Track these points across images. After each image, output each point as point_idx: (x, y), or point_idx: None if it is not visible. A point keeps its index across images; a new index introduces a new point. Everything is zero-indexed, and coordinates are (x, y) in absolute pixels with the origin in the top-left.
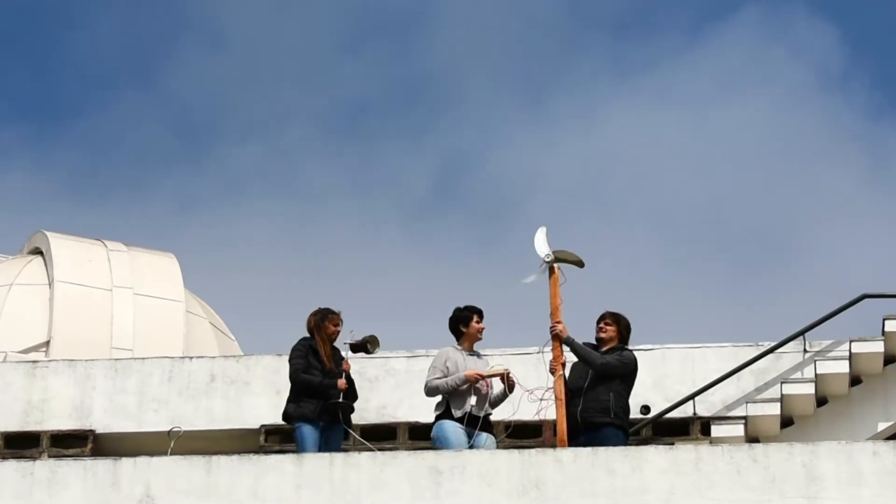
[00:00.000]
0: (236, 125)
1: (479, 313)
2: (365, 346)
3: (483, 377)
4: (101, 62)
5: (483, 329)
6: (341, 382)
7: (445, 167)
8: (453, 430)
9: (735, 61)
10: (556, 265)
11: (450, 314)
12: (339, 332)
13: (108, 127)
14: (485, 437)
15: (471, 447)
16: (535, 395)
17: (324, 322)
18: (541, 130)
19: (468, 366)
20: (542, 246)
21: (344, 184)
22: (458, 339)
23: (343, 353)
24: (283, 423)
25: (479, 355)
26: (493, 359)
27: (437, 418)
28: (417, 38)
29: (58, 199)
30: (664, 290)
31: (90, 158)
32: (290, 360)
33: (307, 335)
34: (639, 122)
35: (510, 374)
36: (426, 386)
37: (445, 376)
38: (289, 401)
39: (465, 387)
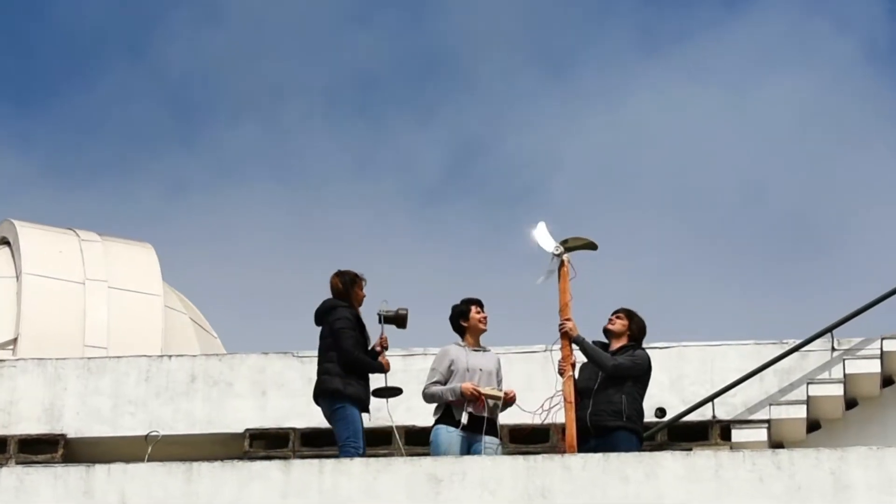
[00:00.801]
0: (232, 102)
1: (478, 303)
2: (400, 318)
3: (481, 394)
4: (86, 32)
5: (485, 318)
6: (387, 361)
7: (459, 148)
8: (446, 436)
9: (775, 34)
10: (566, 258)
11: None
12: (364, 299)
13: (94, 103)
14: (484, 443)
15: (469, 453)
16: (545, 405)
17: (353, 287)
18: (563, 108)
19: (471, 363)
20: (546, 240)
21: (348, 167)
22: (462, 337)
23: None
24: (267, 426)
25: (485, 349)
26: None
27: (437, 422)
28: (431, 8)
29: (36, 184)
30: (686, 280)
31: (73, 138)
32: (341, 330)
33: (341, 303)
34: (670, 99)
35: (512, 398)
36: (424, 391)
37: (447, 378)
38: (333, 374)
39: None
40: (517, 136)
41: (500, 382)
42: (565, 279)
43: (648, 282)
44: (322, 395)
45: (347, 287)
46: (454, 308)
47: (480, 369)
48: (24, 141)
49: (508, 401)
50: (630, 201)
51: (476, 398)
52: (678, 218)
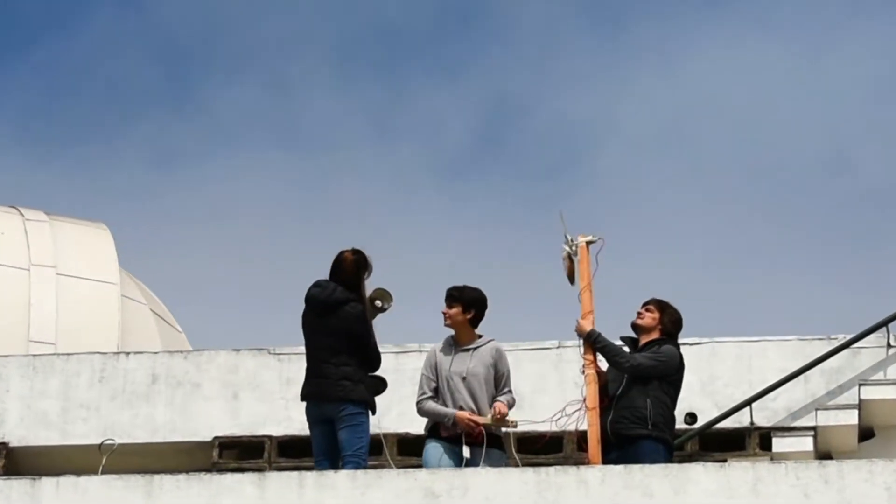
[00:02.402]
0: (229, 57)
1: (450, 297)
2: (377, 301)
3: (478, 424)
4: None
5: (446, 314)
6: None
7: (492, 111)
8: (434, 451)
9: None
10: (582, 245)
11: None
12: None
13: (74, 56)
14: (484, 455)
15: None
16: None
17: (365, 272)
18: (613, 66)
19: (453, 369)
20: (562, 231)
21: (362, 132)
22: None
23: None
24: (239, 434)
25: (476, 346)
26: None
27: (428, 434)
28: None
29: (3, 150)
30: (734, 267)
31: (44, 99)
32: (370, 337)
33: (352, 295)
34: (735, 55)
35: (514, 425)
36: (418, 406)
37: (437, 386)
38: (356, 381)
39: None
40: (560, 98)
41: (500, 379)
42: (586, 266)
43: (697, 268)
44: (341, 401)
45: (361, 271)
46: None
47: (463, 377)
48: None
49: (513, 425)
50: (688, 174)
51: (472, 429)
52: (737, 193)
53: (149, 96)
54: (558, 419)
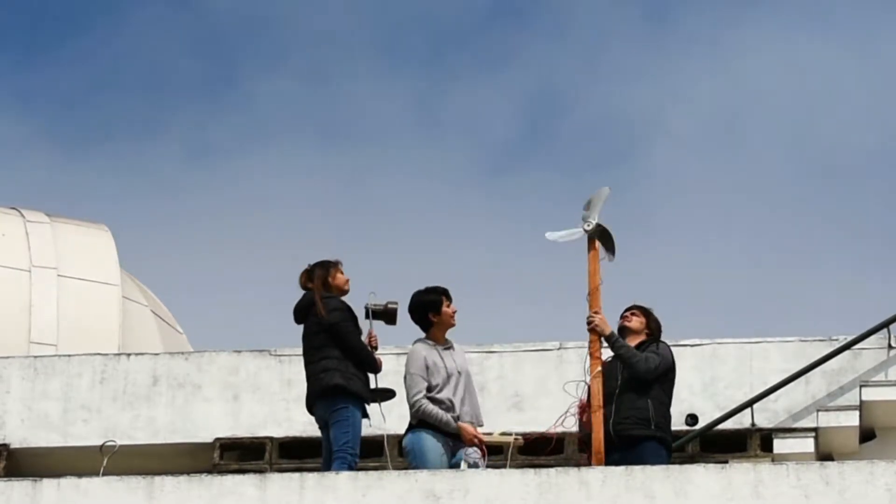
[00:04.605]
0: (270, 46)
1: (448, 294)
2: (390, 313)
3: (483, 442)
4: None
5: (456, 312)
6: (380, 361)
7: (538, 103)
8: (433, 444)
9: None
10: (595, 238)
11: (410, 299)
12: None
13: (112, 48)
14: (465, 453)
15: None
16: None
17: (326, 275)
18: (663, 57)
19: (448, 366)
20: (595, 208)
21: (401, 125)
22: (426, 331)
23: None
24: (240, 435)
25: (452, 346)
26: (502, 356)
27: (417, 425)
28: None
29: (33, 147)
30: (775, 265)
31: (83, 90)
32: (342, 325)
33: (326, 293)
34: (788, 48)
35: (519, 442)
36: (415, 406)
37: (429, 385)
38: (333, 370)
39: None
40: (608, 90)
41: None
42: (595, 260)
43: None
44: (323, 394)
45: (325, 278)
46: (421, 298)
47: (459, 372)
48: (23, 94)
49: (518, 443)
50: (741, 169)
51: (478, 445)
52: (788, 190)
53: (186, 89)
54: (564, 420)
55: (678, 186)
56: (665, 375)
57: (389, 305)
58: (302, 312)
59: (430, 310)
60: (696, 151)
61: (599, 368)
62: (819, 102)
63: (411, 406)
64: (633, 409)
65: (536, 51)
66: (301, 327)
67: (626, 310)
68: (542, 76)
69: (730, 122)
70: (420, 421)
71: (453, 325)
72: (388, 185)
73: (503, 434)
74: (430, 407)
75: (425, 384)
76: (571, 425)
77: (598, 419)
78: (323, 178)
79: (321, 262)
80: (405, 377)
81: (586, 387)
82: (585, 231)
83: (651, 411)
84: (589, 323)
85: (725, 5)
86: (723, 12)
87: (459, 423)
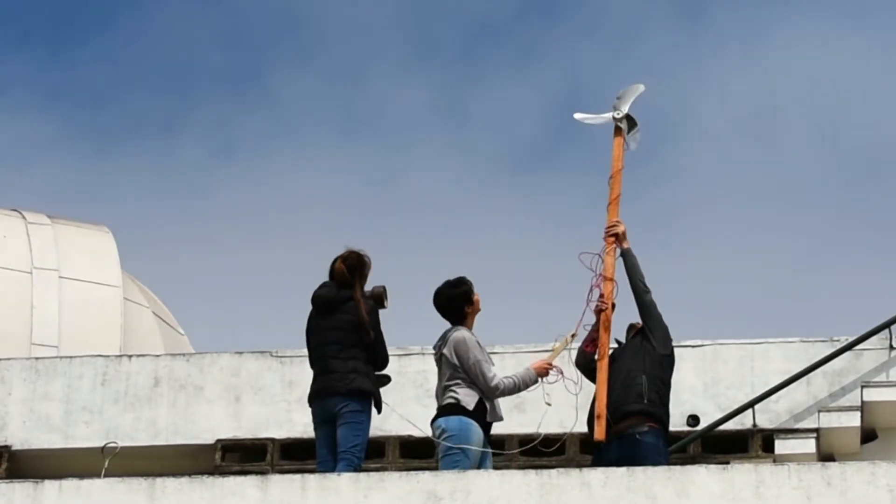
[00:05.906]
0: (296, 42)
1: (471, 283)
2: (377, 297)
3: (552, 366)
4: None
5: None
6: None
7: (566, 99)
8: (477, 430)
9: None
10: (623, 126)
11: (436, 293)
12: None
13: (137, 43)
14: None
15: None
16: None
17: (362, 269)
18: (694, 54)
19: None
20: (627, 101)
21: (426, 121)
22: (461, 323)
23: None
24: (242, 437)
25: None
26: (503, 357)
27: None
28: None
29: (53, 146)
30: (807, 264)
31: (106, 85)
32: (376, 315)
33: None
34: (820, 45)
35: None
36: (496, 388)
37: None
38: (363, 374)
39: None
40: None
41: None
42: (619, 146)
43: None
44: (349, 394)
45: (355, 272)
46: (453, 291)
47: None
48: (45, 93)
49: (570, 340)
50: (770, 167)
51: (547, 372)
52: (815, 188)
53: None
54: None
55: (709, 185)
56: (667, 358)
57: (375, 289)
58: (330, 306)
59: (465, 302)
60: (724, 147)
61: (608, 307)
62: (848, 95)
63: (493, 388)
64: (628, 386)
65: (566, 47)
66: (307, 321)
67: (630, 326)
68: (571, 73)
69: (760, 116)
70: (449, 406)
71: (480, 311)
72: (414, 182)
73: (556, 344)
74: (510, 380)
75: (490, 363)
76: (594, 300)
77: (601, 376)
78: (347, 174)
79: (363, 255)
80: (471, 365)
81: (600, 260)
82: (615, 119)
83: (644, 386)
84: (610, 230)
85: (757, 2)
86: (755, 9)
87: (531, 364)
